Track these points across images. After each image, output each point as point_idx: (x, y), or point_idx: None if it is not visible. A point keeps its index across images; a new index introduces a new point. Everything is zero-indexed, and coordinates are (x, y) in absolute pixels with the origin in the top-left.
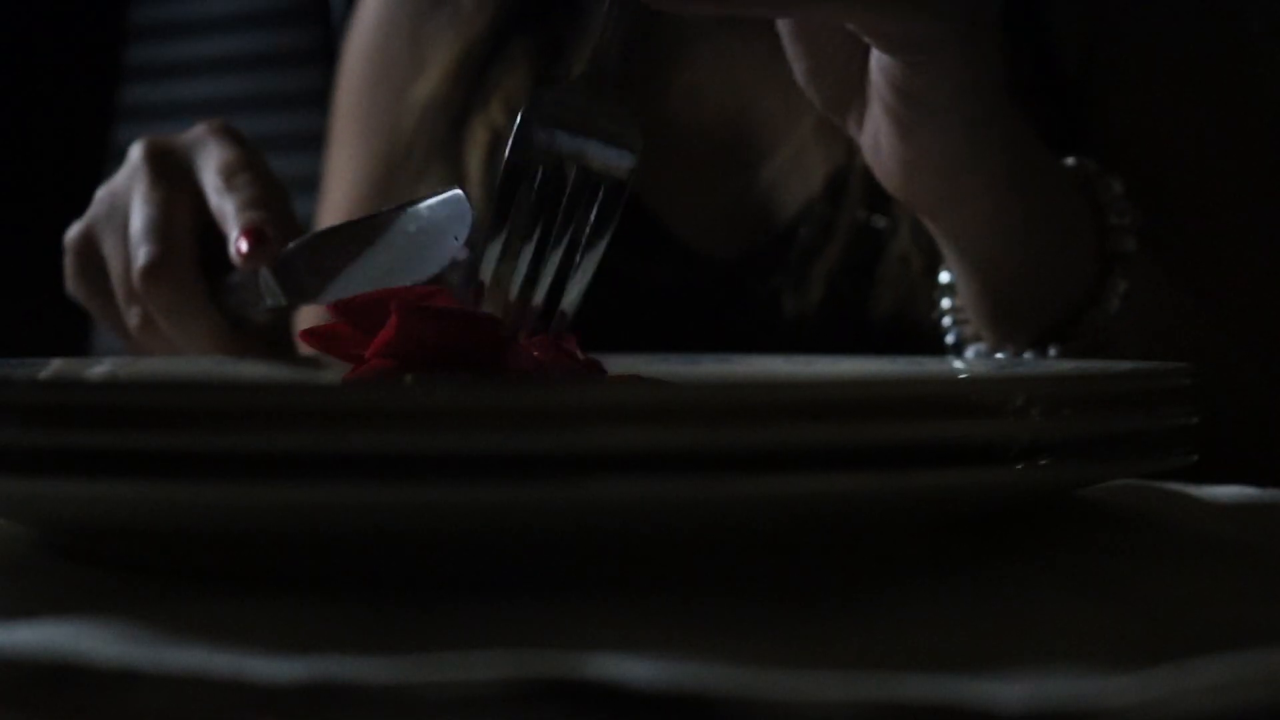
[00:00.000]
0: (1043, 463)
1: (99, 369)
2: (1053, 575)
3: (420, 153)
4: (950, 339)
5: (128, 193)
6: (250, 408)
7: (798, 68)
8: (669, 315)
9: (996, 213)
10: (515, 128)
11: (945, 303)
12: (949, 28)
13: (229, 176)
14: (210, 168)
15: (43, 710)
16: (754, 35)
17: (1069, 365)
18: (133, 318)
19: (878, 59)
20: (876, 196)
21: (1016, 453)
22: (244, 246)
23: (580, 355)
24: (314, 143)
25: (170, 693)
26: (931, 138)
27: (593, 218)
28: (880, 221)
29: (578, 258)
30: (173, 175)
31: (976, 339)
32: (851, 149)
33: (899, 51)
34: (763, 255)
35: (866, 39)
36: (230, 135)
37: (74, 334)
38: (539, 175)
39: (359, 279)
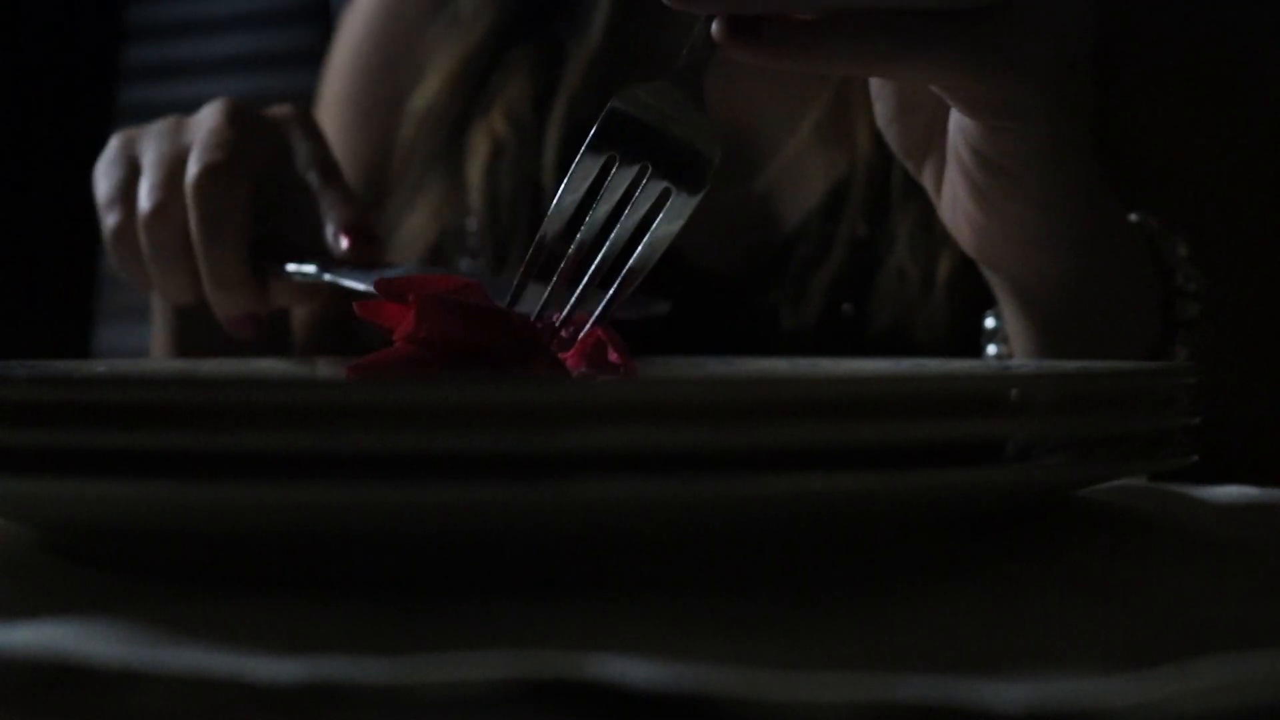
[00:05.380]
0: (1043, 463)
1: (99, 369)
2: (1053, 575)
3: (419, 161)
4: None
5: (197, 126)
6: (250, 407)
7: (879, 110)
8: (667, 328)
9: (1067, 275)
10: (602, 114)
11: (991, 349)
12: (1034, 94)
13: (326, 174)
14: (303, 155)
15: (43, 710)
16: None
17: (1069, 365)
18: (151, 199)
19: (958, 121)
20: (876, 209)
21: (1016, 453)
22: (345, 243)
23: (618, 358)
24: None
25: (170, 693)
26: (1008, 204)
27: (658, 216)
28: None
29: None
30: (249, 131)
31: None
32: (853, 161)
33: (981, 115)
34: (761, 268)
35: (949, 101)
36: (315, 128)
37: (74, 334)
38: (615, 167)
39: None
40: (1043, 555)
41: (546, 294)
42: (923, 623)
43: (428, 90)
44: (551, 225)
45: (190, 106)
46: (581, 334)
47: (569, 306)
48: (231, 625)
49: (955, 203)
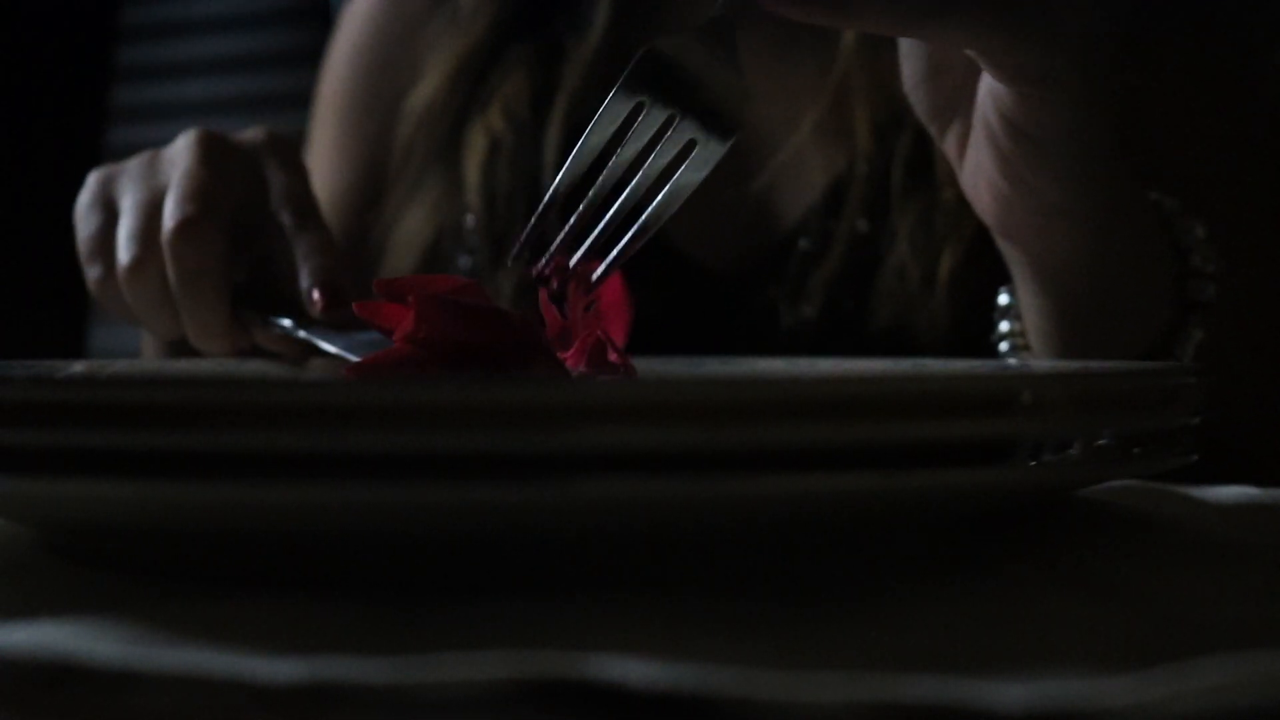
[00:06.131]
0: (1044, 463)
1: (99, 369)
2: (1053, 575)
3: (417, 158)
4: None
5: (171, 164)
6: (249, 407)
7: (906, 72)
8: (665, 325)
9: (1085, 250)
10: (631, 63)
11: (1004, 325)
12: (1066, 63)
13: (299, 213)
14: (276, 193)
15: (43, 710)
16: (755, 40)
17: (1070, 365)
18: (129, 254)
19: (989, 86)
20: (876, 205)
21: (1018, 452)
22: (317, 298)
23: (615, 357)
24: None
25: (170, 693)
26: (1032, 175)
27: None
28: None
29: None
30: (224, 167)
31: None
32: (853, 158)
33: (1012, 81)
34: (761, 265)
35: (981, 65)
36: (291, 156)
37: (69, 334)
38: (644, 113)
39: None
40: (1043, 555)
41: (561, 236)
42: (923, 623)
43: (426, 88)
44: (574, 166)
45: (185, 108)
46: (595, 277)
47: (583, 250)
48: (231, 625)
49: (978, 170)
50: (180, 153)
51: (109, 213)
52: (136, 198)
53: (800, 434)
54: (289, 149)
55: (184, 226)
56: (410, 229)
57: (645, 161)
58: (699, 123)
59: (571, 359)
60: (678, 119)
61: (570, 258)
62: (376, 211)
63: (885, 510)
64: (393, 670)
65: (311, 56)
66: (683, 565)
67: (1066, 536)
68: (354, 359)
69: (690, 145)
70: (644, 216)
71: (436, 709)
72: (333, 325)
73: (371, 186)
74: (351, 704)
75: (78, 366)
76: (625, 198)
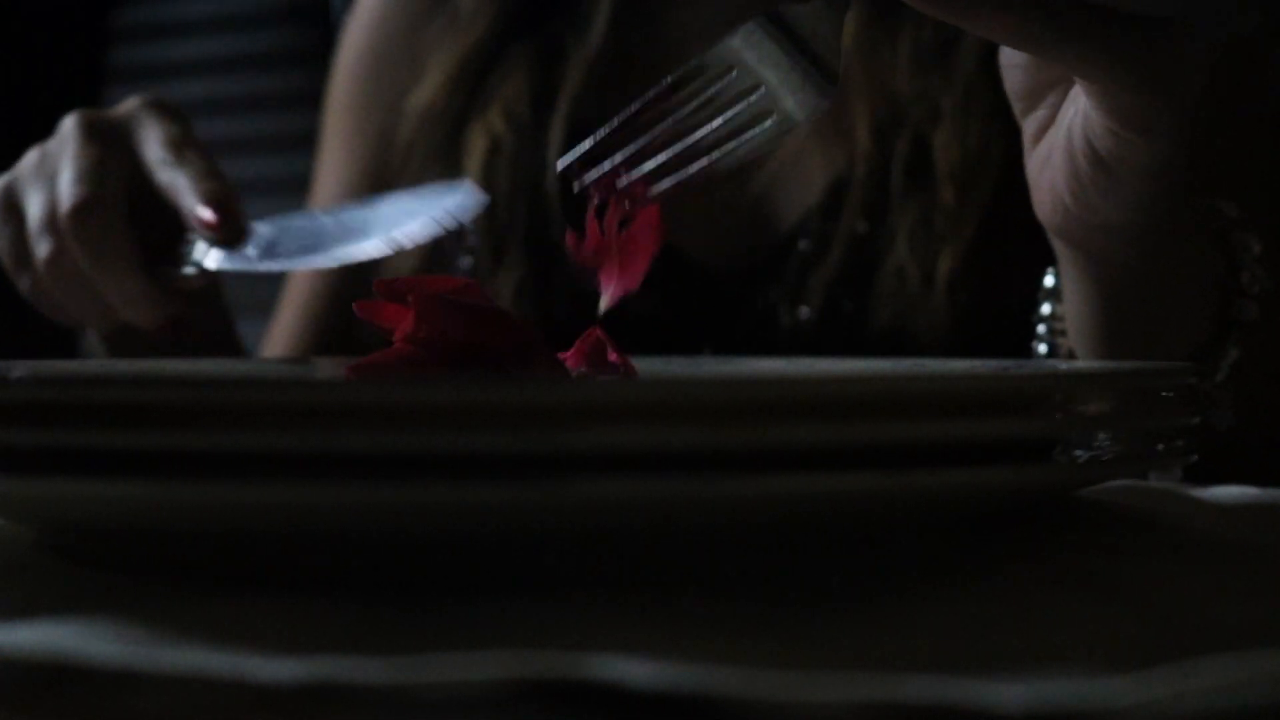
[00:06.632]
0: (1044, 463)
1: (98, 369)
2: (1053, 575)
3: (417, 159)
4: (1042, 348)
5: (58, 155)
6: (249, 406)
7: (1006, 50)
8: (665, 326)
9: (1136, 261)
10: (736, 30)
11: (1046, 308)
12: (1171, 116)
13: (176, 150)
14: (153, 141)
15: (43, 710)
16: None
17: (1071, 365)
18: (43, 249)
19: (1086, 114)
20: (875, 206)
21: (1018, 453)
22: (209, 215)
23: (615, 357)
24: (306, 143)
25: (170, 693)
26: (1101, 199)
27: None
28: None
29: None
30: (106, 141)
31: (1070, 358)
32: (852, 158)
33: (1113, 118)
34: (761, 266)
35: (1089, 97)
36: (167, 110)
37: (62, 335)
38: (730, 75)
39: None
40: (1043, 555)
41: (617, 158)
42: (923, 623)
43: (426, 89)
44: (644, 105)
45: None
46: (651, 194)
47: (634, 175)
48: (231, 625)
49: (1044, 169)
50: (64, 139)
51: (18, 219)
52: (36, 196)
53: (800, 434)
54: (164, 107)
55: (79, 208)
56: None
57: (717, 117)
58: (780, 99)
59: (571, 359)
60: (762, 89)
61: (619, 178)
62: None
63: (885, 510)
64: (393, 670)
65: (307, 57)
66: (683, 565)
67: (1066, 536)
68: (278, 267)
69: (764, 114)
70: (702, 160)
71: (436, 709)
72: (234, 242)
73: (374, 186)
74: (351, 704)
75: (78, 366)
76: (690, 142)
